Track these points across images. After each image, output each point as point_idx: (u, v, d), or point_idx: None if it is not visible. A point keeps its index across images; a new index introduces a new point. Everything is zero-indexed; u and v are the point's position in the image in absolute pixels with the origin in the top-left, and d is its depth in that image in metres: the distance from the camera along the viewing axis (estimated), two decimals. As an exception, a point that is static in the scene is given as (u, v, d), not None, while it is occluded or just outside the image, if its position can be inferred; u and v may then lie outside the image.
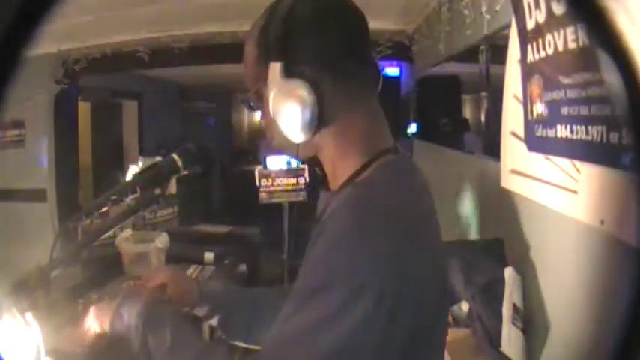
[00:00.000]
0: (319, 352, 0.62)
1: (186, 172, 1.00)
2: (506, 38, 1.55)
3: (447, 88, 3.62)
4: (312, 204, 3.53)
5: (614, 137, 0.92)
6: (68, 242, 1.17)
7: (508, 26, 1.51)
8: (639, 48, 0.46)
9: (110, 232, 1.08)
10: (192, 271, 2.11)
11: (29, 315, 0.85)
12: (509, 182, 1.57)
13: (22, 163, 4.04)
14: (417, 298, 0.66)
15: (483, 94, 2.40)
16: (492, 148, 1.94)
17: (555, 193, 1.22)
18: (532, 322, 1.38)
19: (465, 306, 1.66)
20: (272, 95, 0.74)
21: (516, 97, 1.47)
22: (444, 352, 0.78)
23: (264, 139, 0.86)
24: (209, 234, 2.63)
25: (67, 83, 3.98)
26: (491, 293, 1.48)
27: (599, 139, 0.97)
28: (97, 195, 1.98)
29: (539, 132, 1.27)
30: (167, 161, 1.01)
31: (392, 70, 4.15)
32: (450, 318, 1.67)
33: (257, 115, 0.85)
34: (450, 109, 3.61)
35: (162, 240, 2.00)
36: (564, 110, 1.12)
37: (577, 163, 1.10)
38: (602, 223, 0.99)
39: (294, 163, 3.62)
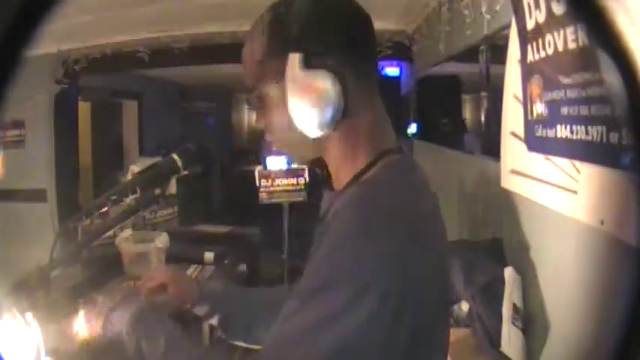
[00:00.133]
0: (321, 351, 0.62)
1: (186, 172, 1.00)
2: (506, 38, 1.55)
3: (447, 88, 3.61)
4: (312, 204, 3.53)
5: (614, 137, 0.92)
6: (68, 242, 1.17)
7: (508, 26, 1.51)
8: (639, 48, 0.46)
9: (110, 232, 1.08)
10: (192, 271, 2.11)
11: (29, 315, 0.85)
12: (509, 182, 1.57)
13: (22, 163, 4.04)
14: (421, 298, 0.66)
15: (483, 94, 2.40)
16: (491, 149, 1.94)
17: (555, 193, 1.22)
18: (532, 322, 1.38)
19: (465, 306, 1.66)
20: (290, 87, 0.71)
21: (516, 97, 1.47)
22: (446, 352, 0.78)
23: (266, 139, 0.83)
24: (209, 234, 2.62)
25: (67, 83, 3.98)
26: (492, 293, 1.48)
27: (599, 139, 0.97)
28: (97, 195, 1.97)
29: (539, 132, 1.27)
30: (167, 161, 1.01)
31: (392, 70, 4.15)
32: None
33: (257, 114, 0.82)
34: (450, 109, 3.60)
35: (162, 240, 2.00)
36: (564, 110, 1.12)
37: (577, 163, 1.10)
38: (602, 223, 0.99)
39: (294, 163, 3.62)
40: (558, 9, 1.10)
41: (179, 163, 1.00)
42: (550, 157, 1.25)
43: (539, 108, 1.26)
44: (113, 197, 0.96)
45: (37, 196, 4.00)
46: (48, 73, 3.88)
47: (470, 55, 2.21)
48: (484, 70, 2.12)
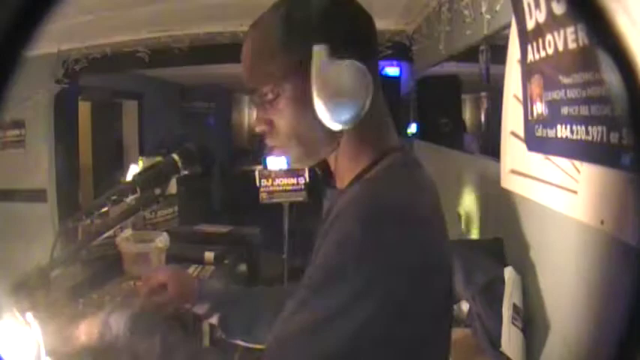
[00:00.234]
0: (324, 350, 0.62)
1: (186, 172, 1.00)
2: (506, 38, 1.55)
3: (447, 88, 3.61)
4: (312, 204, 3.54)
5: (614, 137, 0.92)
6: (68, 242, 1.16)
7: (508, 26, 1.51)
8: (639, 48, 0.46)
9: (110, 232, 1.08)
10: (192, 271, 2.11)
11: (29, 315, 0.85)
12: (509, 182, 1.57)
13: (22, 163, 4.03)
14: (424, 297, 0.66)
15: (483, 94, 2.40)
16: (491, 149, 1.94)
17: (555, 193, 1.22)
18: (532, 322, 1.38)
19: (464, 306, 1.66)
20: (318, 79, 0.69)
21: (516, 97, 1.47)
22: (449, 352, 0.78)
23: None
24: (209, 234, 2.62)
25: (67, 83, 3.98)
26: (491, 293, 1.48)
27: (599, 139, 0.97)
28: (97, 195, 1.97)
29: (540, 132, 1.27)
30: (167, 161, 1.01)
31: (392, 70, 4.15)
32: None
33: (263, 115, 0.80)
34: (449, 109, 3.60)
35: (162, 240, 2.00)
36: (564, 110, 1.12)
37: (577, 163, 1.10)
38: (602, 223, 0.99)
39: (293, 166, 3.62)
40: (558, 9, 1.10)
41: (179, 163, 0.99)
42: (550, 157, 1.25)
43: (540, 108, 1.26)
44: (113, 197, 0.96)
45: (37, 196, 4.00)
46: (48, 73, 3.88)
47: (470, 55, 2.21)
48: (484, 70, 2.12)
